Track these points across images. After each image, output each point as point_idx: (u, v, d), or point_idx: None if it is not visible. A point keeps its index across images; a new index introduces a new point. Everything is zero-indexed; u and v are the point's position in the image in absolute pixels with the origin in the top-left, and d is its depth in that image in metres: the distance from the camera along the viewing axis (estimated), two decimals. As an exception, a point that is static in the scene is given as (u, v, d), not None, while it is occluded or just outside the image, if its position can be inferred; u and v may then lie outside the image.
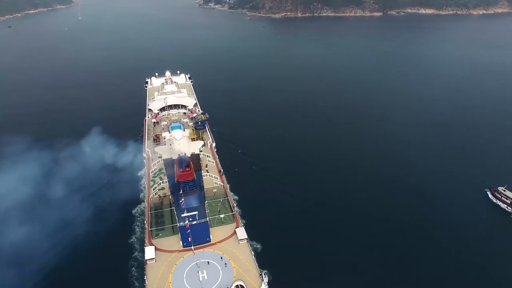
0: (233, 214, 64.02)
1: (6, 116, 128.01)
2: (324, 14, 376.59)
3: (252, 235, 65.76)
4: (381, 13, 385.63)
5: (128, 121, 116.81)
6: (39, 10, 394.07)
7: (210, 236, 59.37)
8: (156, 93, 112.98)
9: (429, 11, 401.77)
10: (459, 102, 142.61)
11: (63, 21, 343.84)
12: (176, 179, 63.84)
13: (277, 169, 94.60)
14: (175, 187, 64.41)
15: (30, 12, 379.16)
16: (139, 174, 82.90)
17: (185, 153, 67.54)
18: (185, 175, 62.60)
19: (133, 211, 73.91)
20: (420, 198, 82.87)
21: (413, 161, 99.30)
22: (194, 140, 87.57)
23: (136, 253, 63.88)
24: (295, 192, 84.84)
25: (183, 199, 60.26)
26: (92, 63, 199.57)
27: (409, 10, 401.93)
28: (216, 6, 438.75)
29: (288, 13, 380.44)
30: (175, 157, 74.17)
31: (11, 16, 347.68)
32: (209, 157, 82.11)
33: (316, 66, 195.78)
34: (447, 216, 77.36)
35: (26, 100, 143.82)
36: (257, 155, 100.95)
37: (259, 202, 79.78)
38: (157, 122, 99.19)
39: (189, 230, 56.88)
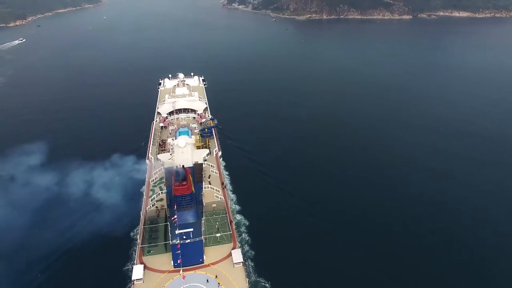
0: (230, 233, 59.01)
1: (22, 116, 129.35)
2: (350, 17, 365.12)
3: (255, 265, 60.41)
4: (411, 16, 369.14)
5: (139, 125, 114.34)
6: (68, 9, 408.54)
7: (204, 256, 54.81)
8: (167, 96, 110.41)
9: (464, 14, 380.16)
10: (502, 114, 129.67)
11: (88, 20, 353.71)
12: (172, 193, 59.95)
13: (295, 186, 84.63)
14: (172, 201, 60.41)
15: (60, 11, 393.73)
16: (142, 189, 76.61)
17: (182, 165, 63.13)
18: (181, 189, 58.32)
19: (132, 234, 66.68)
20: (455, 220, 74.91)
21: (449, 176, 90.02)
22: (200, 148, 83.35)
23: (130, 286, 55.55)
24: (316, 215, 74.13)
25: (175, 216, 55.84)
26: (110, 62, 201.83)
27: (442, 13, 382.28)
28: (240, 6, 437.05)
29: (313, 15, 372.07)
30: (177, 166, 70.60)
31: (42, 15, 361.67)
32: (213, 167, 77.56)
33: (341, 72, 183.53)
34: (484, 242, 68.99)
35: (39, 99, 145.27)
36: (272, 167, 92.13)
37: (269, 225, 70.67)
38: (165, 127, 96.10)
39: (179, 251, 52.49)
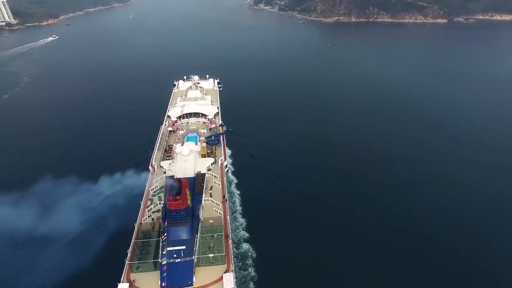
0: (224, 254, 54.29)
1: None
2: (380, 20, 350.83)
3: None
4: (446, 20, 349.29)
5: (151, 126, 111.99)
6: (98, 8, 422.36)
7: (194, 278, 50.49)
8: (179, 98, 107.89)
9: (507, 17, 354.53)
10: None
11: (115, 20, 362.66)
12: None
13: (320, 213, 74.15)
14: (167, 214, 56.63)
15: (90, 10, 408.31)
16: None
17: (178, 178, 59.14)
18: (174, 204, 54.34)
19: (124, 248, 61.73)
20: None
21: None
22: (205, 156, 79.32)
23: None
24: (347, 263, 62.77)
25: (165, 234, 52.00)
26: (129, 61, 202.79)
27: (481, 17, 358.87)
28: (266, 7, 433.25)
29: (341, 18, 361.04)
30: (178, 175, 67.00)
31: (73, 14, 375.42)
32: (217, 178, 73.05)
33: (367, 82, 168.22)
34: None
35: (56, 99, 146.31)
36: (293, 186, 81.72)
37: (282, 262, 60.95)
38: (174, 131, 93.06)
39: (165, 274, 48.59)
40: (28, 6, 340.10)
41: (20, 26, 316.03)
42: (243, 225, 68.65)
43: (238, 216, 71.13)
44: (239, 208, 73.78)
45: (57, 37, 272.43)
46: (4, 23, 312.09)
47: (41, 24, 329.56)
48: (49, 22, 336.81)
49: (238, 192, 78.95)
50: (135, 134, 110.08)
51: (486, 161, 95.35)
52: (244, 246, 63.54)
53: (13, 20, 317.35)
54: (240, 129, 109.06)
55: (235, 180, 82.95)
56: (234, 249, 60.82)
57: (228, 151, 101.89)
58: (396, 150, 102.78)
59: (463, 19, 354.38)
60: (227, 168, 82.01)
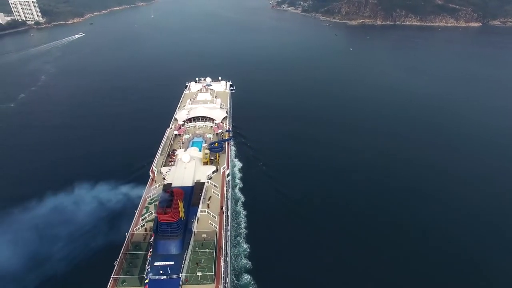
0: (213, 274, 50.07)
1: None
2: (407, 23, 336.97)
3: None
4: (480, 24, 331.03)
5: (159, 129, 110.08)
6: (123, 7, 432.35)
7: (179, 298, 46.60)
8: (188, 101, 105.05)
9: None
10: None
11: (137, 19, 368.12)
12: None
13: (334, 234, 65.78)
14: (158, 226, 53.12)
15: (115, 9, 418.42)
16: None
17: (171, 190, 55.57)
18: (164, 217, 50.72)
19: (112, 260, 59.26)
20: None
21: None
22: (207, 164, 75.49)
23: None
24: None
25: (150, 250, 48.46)
26: (144, 62, 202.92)
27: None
28: (289, 8, 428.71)
29: (366, 20, 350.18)
30: (176, 183, 63.65)
31: (98, 13, 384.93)
32: (217, 187, 68.95)
33: (391, 92, 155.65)
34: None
35: (71, 98, 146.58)
36: (307, 208, 73.75)
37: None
38: (180, 135, 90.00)
39: (148, 293, 44.99)
40: (56, 5, 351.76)
41: (47, 25, 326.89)
42: (246, 252, 61.98)
43: (241, 240, 64.61)
44: (243, 231, 67.27)
45: (83, 34, 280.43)
46: (33, 22, 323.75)
47: (67, 22, 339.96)
48: (75, 20, 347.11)
49: (245, 213, 72.67)
50: (142, 136, 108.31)
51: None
52: (245, 278, 57.24)
53: (41, 19, 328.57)
54: (254, 136, 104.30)
55: (242, 198, 76.85)
56: (233, 278, 55.11)
57: (239, 164, 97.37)
58: (424, 159, 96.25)
59: (500, 22, 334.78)
60: (229, 178, 77.69)
